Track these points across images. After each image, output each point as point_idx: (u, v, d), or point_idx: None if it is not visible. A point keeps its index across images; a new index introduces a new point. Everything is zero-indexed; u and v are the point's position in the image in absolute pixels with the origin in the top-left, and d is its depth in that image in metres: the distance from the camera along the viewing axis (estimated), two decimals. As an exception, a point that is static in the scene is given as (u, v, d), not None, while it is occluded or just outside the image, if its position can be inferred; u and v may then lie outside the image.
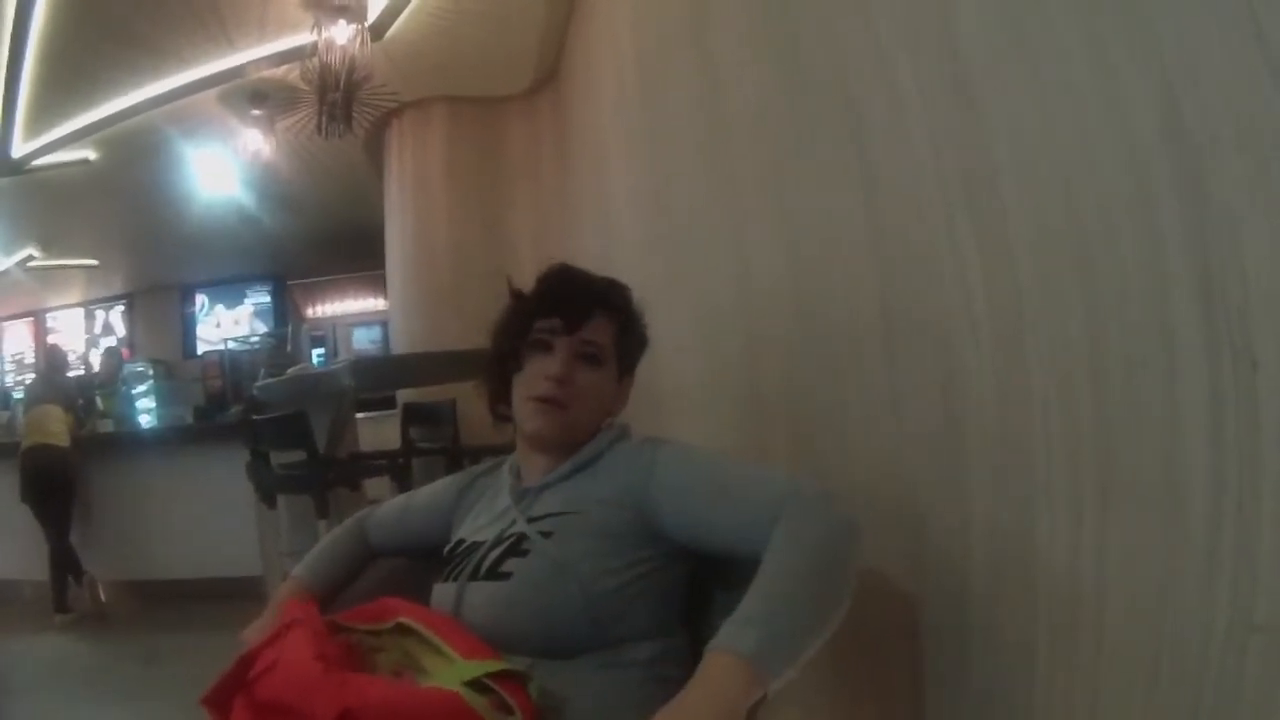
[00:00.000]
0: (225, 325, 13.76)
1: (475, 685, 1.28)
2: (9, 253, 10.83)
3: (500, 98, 7.39)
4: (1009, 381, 1.26)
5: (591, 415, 1.73)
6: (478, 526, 1.74)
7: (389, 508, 2.04)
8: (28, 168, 7.55)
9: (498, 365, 1.77)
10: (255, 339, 12.44)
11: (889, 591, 1.68)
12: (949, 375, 1.42)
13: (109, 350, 10.02)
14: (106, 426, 7.86)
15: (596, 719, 1.40)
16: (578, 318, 1.69)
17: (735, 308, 2.54)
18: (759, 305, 2.34)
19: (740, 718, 1.15)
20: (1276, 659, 0.86)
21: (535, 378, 1.68)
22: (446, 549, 1.77)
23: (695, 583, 1.54)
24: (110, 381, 8.68)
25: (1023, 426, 1.23)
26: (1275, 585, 0.86)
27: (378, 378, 5.80)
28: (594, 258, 1.76)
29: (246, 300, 13.91)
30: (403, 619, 1.51)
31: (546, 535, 1.56)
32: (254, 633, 1.67)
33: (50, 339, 13.46)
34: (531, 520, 1.61)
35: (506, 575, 1.54)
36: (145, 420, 8.76)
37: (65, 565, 6.49)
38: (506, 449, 1.87)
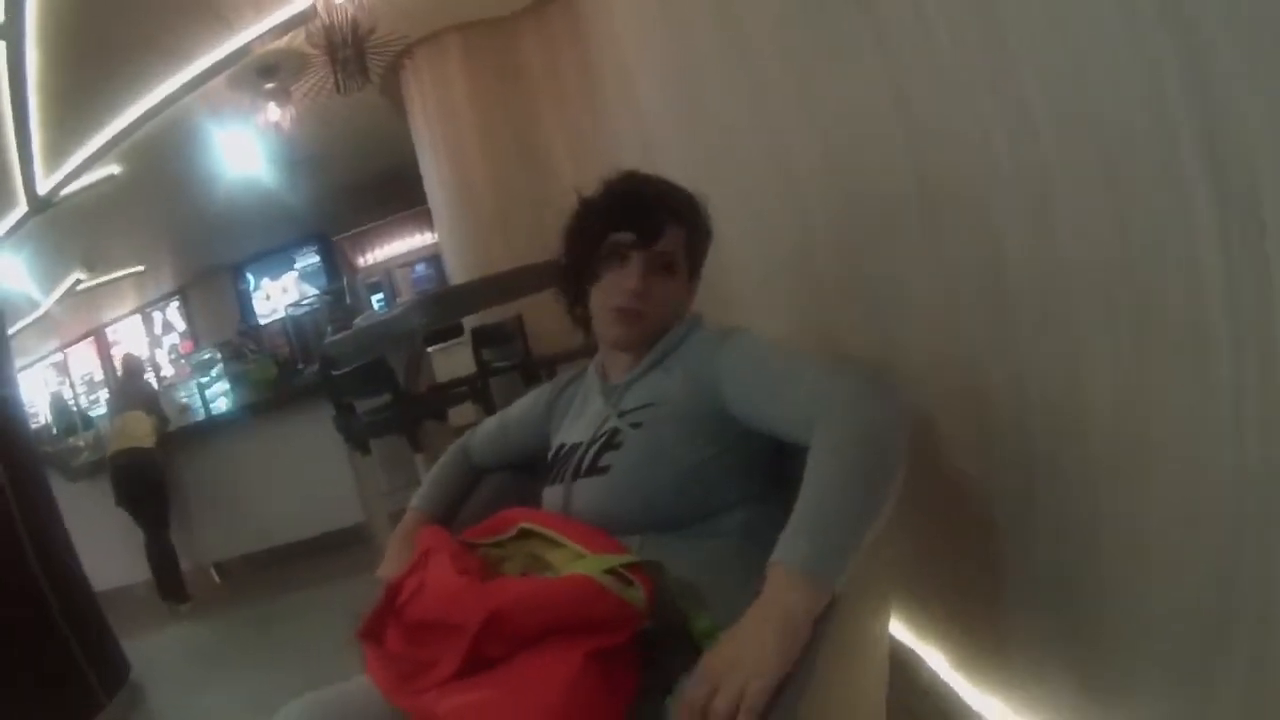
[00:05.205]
0: (274, 296, 14.17)
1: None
2: (56, 282, 11.21)
3: (510, 16, 7.46)
4: (1043, 247, 1.41)
5: (667, 318, 1.89)
6: (574, 429, 1.93)
7: (486, 428, 2.25)
8: (57, 200, 7.82)
9: (573, 273, 1.92)
10: (308, 300, 12.75)
11: (957, 446, 1.89)
12: (987, 243, 1.56)
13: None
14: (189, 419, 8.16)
15: (701, 585, 1.54)
16: (652, 232, 1.81)
17: (781, 201, 2.66)
18: (803, 197, 2.47)
19: (806, 625, 1.24)
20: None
21: (614, 288, 1.82)
22: (550, 455, 1.95)
23: (784, 447, 1.65)
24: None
25: (1060, 285, 1.39)
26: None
27: (444, 310, 5.83)
28: (633, 164, 1.88)
29: (294, 267, 14.26)
30: (524, 524, 1.71)
31: (637, 426, 1.75)
32: (388, 568, 1.91)
33: (116, 350, 13.80)
34: (622, 415, 1.79)
35: (605, 469, 1.73)
36: (223, 404, 9.08)
37: (172, 558, 6.86)
38: (578, 354, 2.02)
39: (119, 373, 7.62)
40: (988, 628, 1.93)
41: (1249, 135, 0.98)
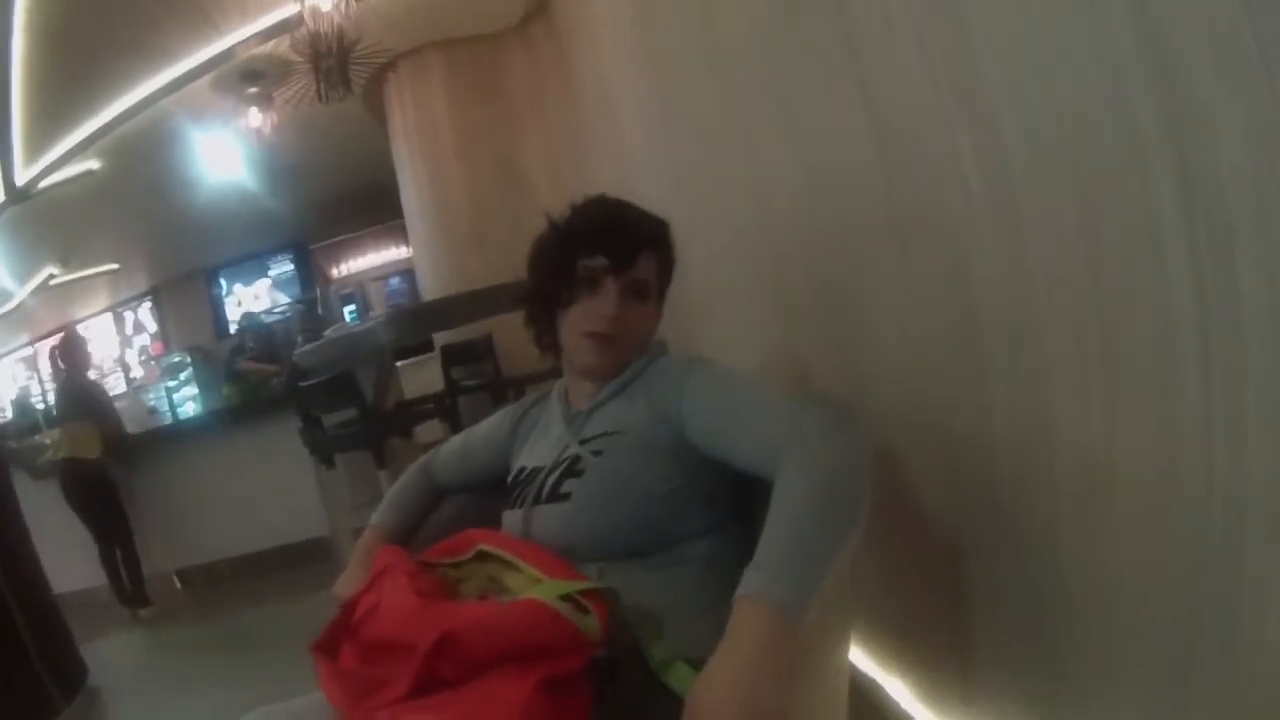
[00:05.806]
0: (246, 302, 14.06)
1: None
2: (30, 276, 11.12)
3: (494, 34, 7.48)
4: (1012, 272, 1.41)
5: (637, 344, 1.88)
6: (535, 453, 1.93)
7: (450, 448, 2.24)
8: (34, 192, 7.75)
9: (542, 299, 1.91)
10: (279, 309, 12.72)
11: (923, 476, 1.88)
12: (957, 270, 1.57)
13: None
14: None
15: (661, 612, 1.53)
16: (628, 258, 1.80)
17: (756, 222, 2.67)
18: (778, 218, 2.46)
19: (784, 657, 1.21)
20: (1272, 526, 1.02)
21: (588, 315, 1.81)
22: (510, 478, 1.95)
23: (745, 477, 1.62)
24: None
25: (1029, 314, 1.39)
26: (1265, 457, 1.00)
27: (417, 325, 5.89)
28: (610, 186, 1.88)
29: (267, 274, 14.18)
30: (483, 546, 1.69)
31: (598, 454, 1.73)
32: (345, 584, 1.91)
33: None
34: (583, 442, 1.78)
35: (566, 496, 1.72)
36: (191, 408, 8.97)
37: (133, 566, 6.76)
38: (548, 375, 1.98)
39: (59, 365, 7.21)
40: (952, 656, 1.93)
41: (1221, 157, 0.99)
